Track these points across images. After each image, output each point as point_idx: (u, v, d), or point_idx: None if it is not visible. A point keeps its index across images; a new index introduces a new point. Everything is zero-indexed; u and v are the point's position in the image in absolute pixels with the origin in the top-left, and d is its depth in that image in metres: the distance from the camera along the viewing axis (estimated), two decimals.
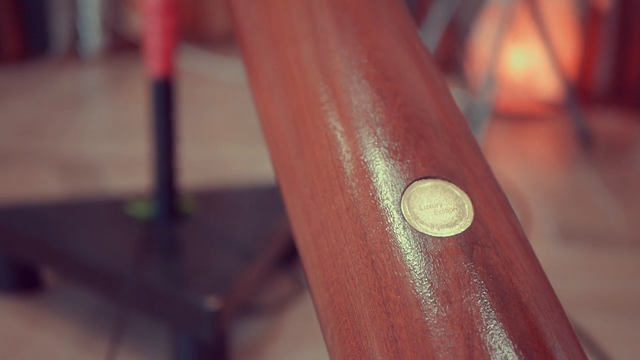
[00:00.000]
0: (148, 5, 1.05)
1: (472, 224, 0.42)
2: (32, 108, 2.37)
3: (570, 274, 1.38)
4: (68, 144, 2.01)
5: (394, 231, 0.42)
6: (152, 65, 1.08)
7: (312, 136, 0.48)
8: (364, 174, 0.44)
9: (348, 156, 0.46)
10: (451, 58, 2.76)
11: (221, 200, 1.30)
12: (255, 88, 0.56)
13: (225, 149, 2.03)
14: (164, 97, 1.09)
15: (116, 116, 2.36)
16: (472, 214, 0.42)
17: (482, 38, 2.46)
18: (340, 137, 0.47)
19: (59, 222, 1.17)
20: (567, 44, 2.50)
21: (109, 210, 1.21)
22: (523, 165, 2.01)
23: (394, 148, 0.45)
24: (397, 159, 0.44)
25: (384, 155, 0.45)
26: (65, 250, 1.08)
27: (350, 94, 0.48)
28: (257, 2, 0.57)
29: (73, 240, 1.10)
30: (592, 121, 2.43)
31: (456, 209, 0.43)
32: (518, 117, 2.47)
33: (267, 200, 1.30)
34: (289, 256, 1.31)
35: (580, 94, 2.60)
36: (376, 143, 0.45)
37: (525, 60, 2.45)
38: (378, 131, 0.46)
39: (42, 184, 1.70)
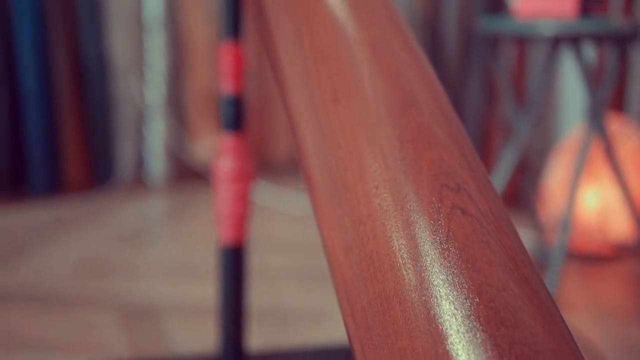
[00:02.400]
0: (218, 172, 1.02)
1: None
2: (94, 243, 2.36)
3: None
4: (130, 285, 1.98)
5: None
6: (222, 232, 1.04)
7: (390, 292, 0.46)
8: None
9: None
10: (521, 197, 2.70)
11: None
12: (323, 225, 0.54)
13: (290, 294, 1.97)
14: (234, 265, 1.05)
15: (180, 254, 2.33)
16: None
17: (553, 177, 2.40)
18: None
19: None
20: None
21: None
22: (599, 317, 1.91)
23: None
24: None
25: None
26: None
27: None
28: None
29: None
30: None
31: None
32: (591, 258, 2.38)
33: None
34: None
35: None
36: None
37: (598, 199, 2.38)
38: None
39: (102, 331, 1.66)
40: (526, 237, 2.40)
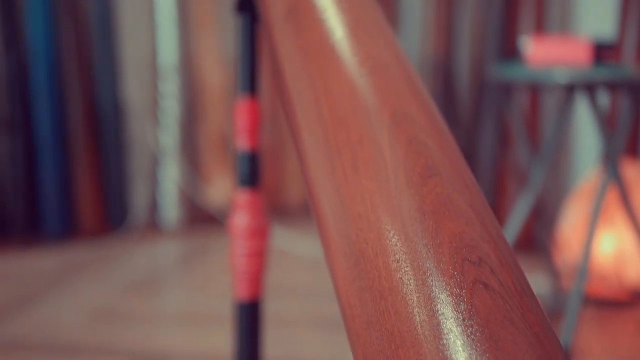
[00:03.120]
0: (234, 229, 1.02)
1: None
2: (107, 290, 2.36)
3: None
4: (143, 333, 1.97)
5: None
6: (238, 288, 1.03)
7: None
8: None
9: None
10: (536, 242, 2.69)
11: None
12: (343, 295, 0.54)
13: (305, 342, 1.96)
14: (250, 321, 1.04)
15: (194, 300, 2.32)
16: None
17: (568, 222, 2.39)
18: None
19: None
20: None
21: None
22: None
23: None
24: None
25: None
26: None
27: None
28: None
29: None
30: None
31: None
32: (606, 303, 2.35)
33: None
34: None
35: None
36: None
37: (613, 245, 2.36)
38: None
39: None
40: (541, 282, 2.38)
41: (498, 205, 2.82)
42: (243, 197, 1.02)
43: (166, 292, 2.45)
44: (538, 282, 2.41)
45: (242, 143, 1.03)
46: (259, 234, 1.01)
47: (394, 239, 0.51)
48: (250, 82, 1.03)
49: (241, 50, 1.04)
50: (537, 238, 2.66)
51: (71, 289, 2.35)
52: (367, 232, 0.53)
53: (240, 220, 1.01)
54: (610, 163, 2.01)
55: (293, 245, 2.92)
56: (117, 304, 2.22)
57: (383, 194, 0.54)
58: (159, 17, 3.15)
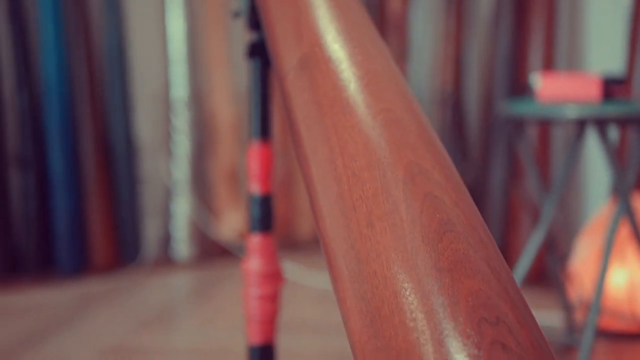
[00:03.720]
0: (247, 273, 1.02)
1: None
2: (117, 325, 2.35)
3: None
4: None
5: None
6: (251, 332, 1.03)
7: None
8: None
9: None
10: (548, 276, 2.68)
11: None
12: (359, 354, 0.53)
13: None
14: None
15: (207, 335, 2.32)
16: None
17: (581, 257, 2.38)
18: None
19: None
20: None
21: None
22: None
23: None
24: None
25: None
26: None
27: None
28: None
29: None
30: None
31: None
32: (619, 336, 2.34)
33: None
34: None
35: None
36: None
37: (626, 278, 2.35)
38: None
39: None
40: (555, 316, 2.37)
41: (509, 239, 2.81)
42: (255, 241, 1.02)
43: (178, 326, 2.45)
44: (551, 316, 2.40)
45: (254, 187, 1.03)
46: (272, 278, 1.01)
47: (410, 297, 0.51)
48: (262, 127, 1.04)
49: (253, 94, 1.04)
50: (549, 272, 2.65)
51: (82, 325, 2.35)
52: (383, 290, 0.53)
53: (253, 265, 1.01)
54: (622, 198, 2.01)
55: (303, 278, 2.91)
56: (128, 340, 2.22)
57: (399, 251, 0.54)
58: (171, 53, 3.17)
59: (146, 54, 3.21)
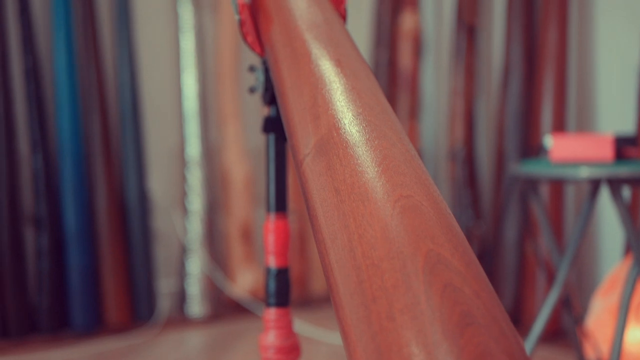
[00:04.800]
0: (264, 348, 1.02)
1: None
2: None
3: None
4: None
5: None
6: None
7: None
8: None
9: None
10: (565, 334, 2.66)
11: None
12: None
13: None
14: None
15: None
16: None
17: (597, 314, 2.36)
18: None
19: None
20: None
21: None
22: None
23: None
24: None
25: None
26: None
27: None
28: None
29: None
30: None
31: None
32: None
33: None
34: None
35: None
36: None
37: None
38: None
39: None
40: None
41: (524, 296, 2.80)
42: (272, 316, 1.02)
43: None
44: None
45: (271, 261, 1.04)
46: (290, 354, 1.01)
47: None
48: (278, 202, 1.04)
49: (269, 169, 1.05)
50: (566, 330, 2.63)
51: None
52: None
53: (270, 339, 1.01)
54: (636, 256, 2.00)
55: (316, 334, 2.90)
56: None
57: (420, 345, 0.54)
58: (185, 110, 3.20)
59: (160, 111, 3.24)
